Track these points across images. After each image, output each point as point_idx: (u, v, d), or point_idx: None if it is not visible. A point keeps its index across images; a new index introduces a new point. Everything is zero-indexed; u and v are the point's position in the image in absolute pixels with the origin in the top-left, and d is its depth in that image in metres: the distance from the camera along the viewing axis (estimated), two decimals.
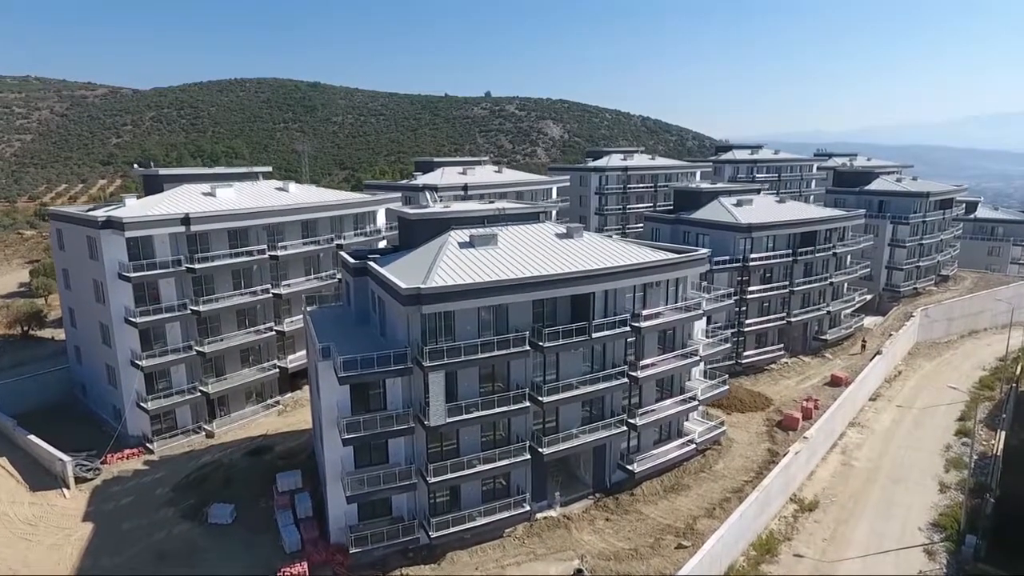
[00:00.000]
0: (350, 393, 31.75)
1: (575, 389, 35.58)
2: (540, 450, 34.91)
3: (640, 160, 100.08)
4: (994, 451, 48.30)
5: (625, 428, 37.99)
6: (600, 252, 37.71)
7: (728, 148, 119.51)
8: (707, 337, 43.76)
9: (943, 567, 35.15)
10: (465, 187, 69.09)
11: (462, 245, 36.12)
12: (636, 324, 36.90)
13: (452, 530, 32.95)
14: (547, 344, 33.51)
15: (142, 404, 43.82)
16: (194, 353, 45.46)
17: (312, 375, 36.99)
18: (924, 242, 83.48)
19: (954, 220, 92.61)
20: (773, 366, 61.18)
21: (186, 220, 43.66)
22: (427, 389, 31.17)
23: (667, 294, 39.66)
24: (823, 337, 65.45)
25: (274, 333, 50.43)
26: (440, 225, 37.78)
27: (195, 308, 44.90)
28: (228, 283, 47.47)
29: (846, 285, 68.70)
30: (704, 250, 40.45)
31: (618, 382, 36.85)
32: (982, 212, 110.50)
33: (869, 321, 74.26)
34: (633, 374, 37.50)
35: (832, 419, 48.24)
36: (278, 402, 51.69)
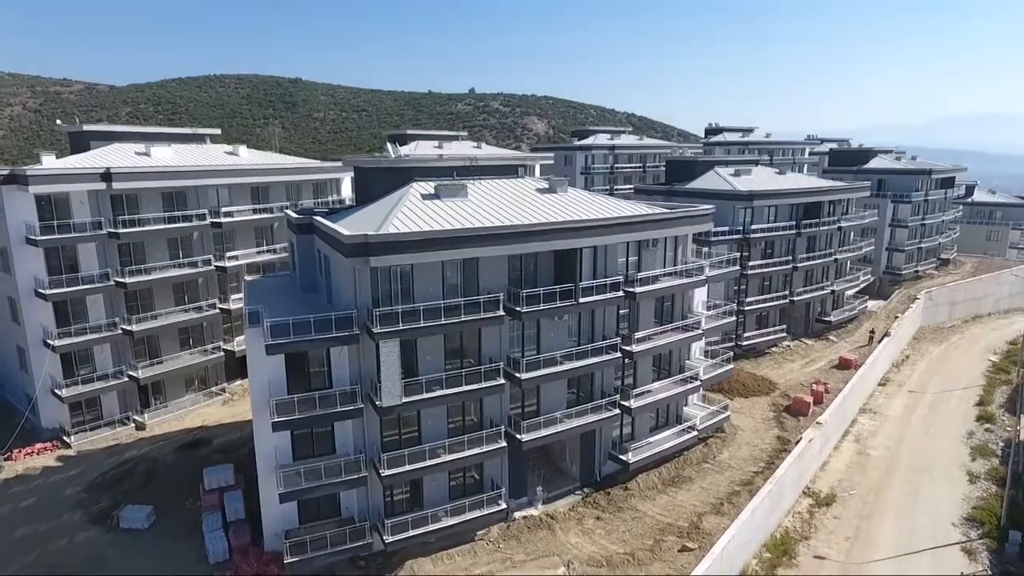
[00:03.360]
0: (286, 367, 26.00)
1: (559, 365, 30.06)
2: (518, 437, 29.37)
3: (628, 140, 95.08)
4: (1019, 437, 44.01)
5: (618, 412, 32.53)
6: (587, 207, 32.26)
7: (719, 131, 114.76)
8: (708, 310, 38.52)
9: (987, 568, 30.23)
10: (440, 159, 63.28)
11: (425, 197, 30.48)
12: (630, 289, 31.50)
13: (412, 533, 27.24)
14: (525, 309, 27.97)
15: (57, 391, 37.64)
16: (120, 332, 39.33)
17: None
18: (926, 222, 79.34)
19: (954, 202, 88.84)
20: (775, 349, 56.29)
21: (107, 176, 37.51)
22: (379, 362, 25.48)
23: (664, 257, 34.34)
24: (826, 319, 60.74)
25: (218, 311, 44.41)
26: (401, 176, 32.07)
27: (121, 280, 38.78)
28: (163, 253, 41.38)
29: (849, 263, 64.31)
30: (707, 205, 35.07)
31: (610, 357, 31.38)
32: (979, 196, 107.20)
33: (872, 304, 70.01)
34: (627, 348, 32.06)
35: (844, 404, 43.45)
36: (224, 390, 45.64)
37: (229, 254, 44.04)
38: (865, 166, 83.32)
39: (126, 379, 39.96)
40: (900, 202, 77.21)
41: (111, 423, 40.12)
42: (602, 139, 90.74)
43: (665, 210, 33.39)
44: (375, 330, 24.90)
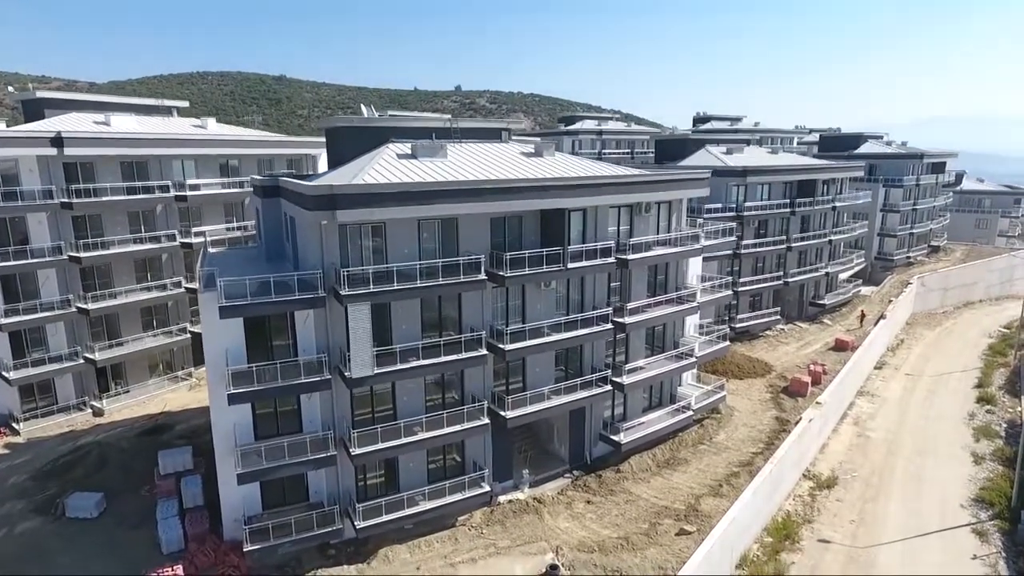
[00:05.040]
0: (245, 336, 23.51)
1: (546, 336, 27.82)
2: (502, 414, 27.09)
3: (615, 125, 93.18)
4: (1022, 418, 42.66)
5: (609, 388, 30.35)
6: (576, 170, 30.07)
7: (707, 119, 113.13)
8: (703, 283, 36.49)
9: (999, 549, 28.46)
10: None
11: (401, 156, 28.12)
12: (622, 256, 29.34)
13: (386, 518, 24.87)
14: (510, 274, 25.71)
15: (5, 374, 34.79)
16: (76, 311, 36.56)
17: None
18: (918, 207, 78.18)
19: (944, 187, 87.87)
20: (769, 332, 54.57)
21: (58, 141, 34.74)
22: (348, 329, 23.11)
23: (658, 226, 32.24)
24: (820, 302, 59.11)
25: (184, 291, 41.70)
26: (376, 136, 29.63)
27: (75, 254, 36.02)
28: (122, 227, 38.60)
29: (842, 246, 62.82)
30: (704, 168, 33.00)
31: (601, 328, 29.18)
32: (968, 184, 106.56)
33: (865, 290, 68.76)
34: (619, 320, 29.91)
35: (843, 385, 41.71)
36: (190, 374, 42.94)
37: (196, 230, 41.29)
38: (856, 151, 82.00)
39: (82, 361, 37.17)
40: (892, 186, 75.98)
41: (66, 409, 37.31)
42: (589, 124, 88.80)
43: (660, 173, 31.30)
44: (343, 292, 22.52)
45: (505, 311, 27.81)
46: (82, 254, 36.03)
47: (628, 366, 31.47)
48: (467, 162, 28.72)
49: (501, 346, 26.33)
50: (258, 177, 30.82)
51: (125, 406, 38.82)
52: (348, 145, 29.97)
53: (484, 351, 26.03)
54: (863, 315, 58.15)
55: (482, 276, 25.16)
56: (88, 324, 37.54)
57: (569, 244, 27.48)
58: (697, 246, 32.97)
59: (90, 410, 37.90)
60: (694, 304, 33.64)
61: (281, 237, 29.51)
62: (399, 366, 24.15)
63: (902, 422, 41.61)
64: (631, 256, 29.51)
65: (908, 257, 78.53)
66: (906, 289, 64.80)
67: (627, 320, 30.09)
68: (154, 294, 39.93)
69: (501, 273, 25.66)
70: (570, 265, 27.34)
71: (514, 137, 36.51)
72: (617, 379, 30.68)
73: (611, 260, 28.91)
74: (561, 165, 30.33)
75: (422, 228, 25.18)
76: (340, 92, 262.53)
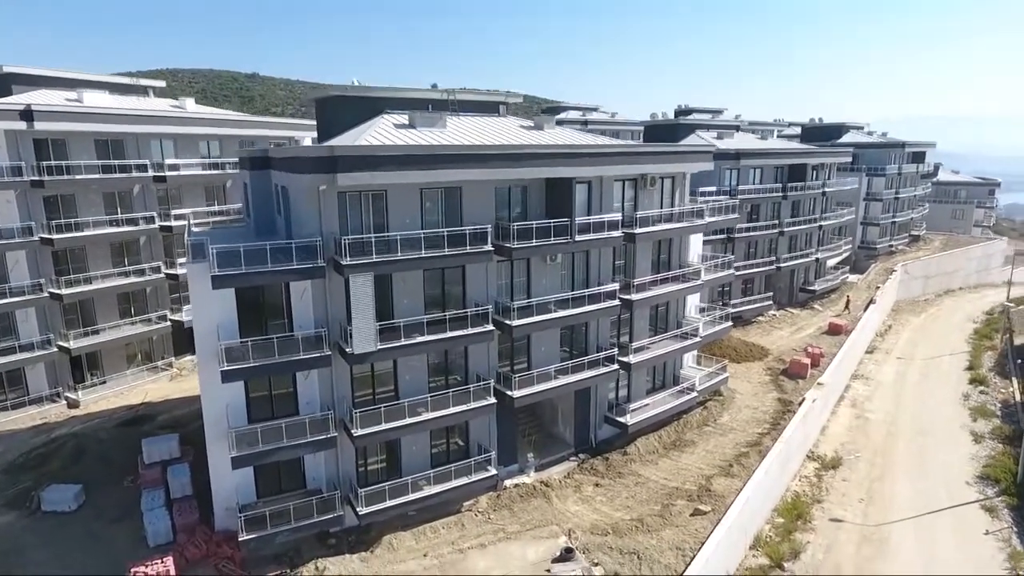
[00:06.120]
0: (238, 310, 21.99)
1: (553, 312, 26.72)
2: (509, 393, 25.92)
3: (601, 115, 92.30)
4: (1014, 398, 42.94)
5: (616, 367, 29.34)
6: (580, 141, 29.02)
7: (689, 112, 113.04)
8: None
9: (1010, 524, 28.15)
10: None
11: (398, 126, 26.75)
12: (629, 230, 28.38)
13: (390, 503, 23.53)
14: (517, 245, 24.56)
15: None
16: (48, 296, 34.48)
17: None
18: (900, 195, 78.87)
19: (923, 177, 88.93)
20: (761, 318, 54.26)
21: (28, 114, 32.65)
22: (349, 301, 21.74)
23: (662, 201, 31.35)
24: (810, 288, 59.07)
25: (164, 277, 39.73)
26: (369, 106, 28.10)
27: (47, 236, 33.95)
28: (97, 208, 36.55)
29: (830, 232, 62.94)
30: (708, 143, 32.19)
31: (608, 304, 28.17)
32: (943, 176, 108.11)
33: (851, 278, 69.15)
34: (626, 296, 28.94)
35: (841, 367, 41.54)
36: (171, 364, 40.95)
37: (176, 212, 39.34)
38: (839, 141, 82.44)
39: (55, 350, 35.09)
40: (874, 175, 76.50)
41: (38, 400, 35.18)
42: (574, 115, 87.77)
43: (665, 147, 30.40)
44: (344, 262, 21.15)
45: (510, 287, 26.65)
46: (55, 236, 33.97)
47: (634, 345, 30.49)
48: (467, 134, 27.47)
49: (508, 322, 25.16)
50: (247, 148, 29.08)
51: (102, 397, 36.78)
52: (340, 116, 28.38)
53: (491, 327, 24.82)
54: (848, 300, 58.33)
55: (488, 247, 23.96)
56: (62, 311, 35.46)
57: (575, 215, 26.40)
58: (701, 222, 32.19)
59: (64, 401, 35.81)
60: (699, 282, 32.84)
61: (271, 212, 27.88)
62: (403, 341, 22.84)
63: (899, 403, 41.48)
64: (638, 230, 28.58)
65: (890, 246, 79.23)
66: (891, 276, 65.33)
67: (634, 297, 29.14)
68: (132, 279, 37.91)
69: (507, 245, 24.50)
70: (577, 238, 26.28)
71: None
72: (624, 358, 29.71)
73: (618, 234, 27.91)
74: (564, 137, 29.27)
75: (425, 198, 23.89)
76: (314, 89, 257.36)
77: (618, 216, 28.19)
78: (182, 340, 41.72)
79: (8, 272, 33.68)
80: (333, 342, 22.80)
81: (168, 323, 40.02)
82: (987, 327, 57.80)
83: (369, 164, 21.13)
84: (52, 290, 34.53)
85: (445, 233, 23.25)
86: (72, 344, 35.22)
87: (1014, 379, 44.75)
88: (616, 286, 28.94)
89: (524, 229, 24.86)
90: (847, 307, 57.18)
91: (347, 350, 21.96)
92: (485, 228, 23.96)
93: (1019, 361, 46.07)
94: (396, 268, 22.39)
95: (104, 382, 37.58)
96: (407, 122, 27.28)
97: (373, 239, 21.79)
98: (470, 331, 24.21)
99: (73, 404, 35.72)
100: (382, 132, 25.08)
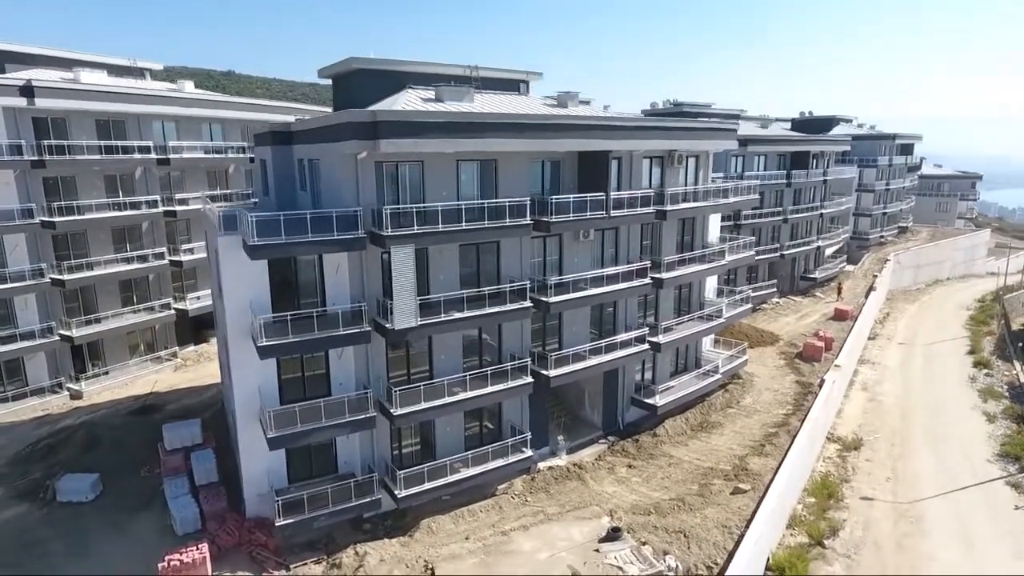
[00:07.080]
0: (269, 280, 21.00)
1: (586, 289, 26.17)
2: (544, 373, 25.32)
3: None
4: (1019, 380, 43.50)
5: (647, 347, 28.90)
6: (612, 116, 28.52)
7: (679, 105, 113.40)
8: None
9: None
10: None
11: (426, 100, 25.94)
12: (660, 207, 27.96)
13: (428, 486, 22.76)
14: (555, 219, 23.96)
15: None
16: (49, 282, 33.00)
17: (214, 274, 25.69)
18: (890, 187, 79.91)
19: (910, 170, 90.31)
20: (766, 305, 54.37)
21: (29, 91, 31.17)
22: (388, 274, 20.93)
23: (687, 180, 31.00)
24: (811, 276, 59.47)
25: (168, 263, 38.35)
26: (393, 81, 27.15)
27: (48, 219, 32.47)
28: (98, 191, 35.10)
29: (828, 221, 63.46)
30: (733, 122, 31.97)
31: (640, 282, 27.71)
32: (927, 169, 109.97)
33: (848, 267, 69.93)
34: (657, 275, 28.51)
35: (852, 350, 41.79)
36: (175, 355, 39.54)
37: (178, 196, 38.00)
38: (830, 133, 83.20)
39: (57, 339, 33.59)
40: (866, 166, 77.34)
41: (39, 391, 33.62)
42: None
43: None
44: (386, 233, 20.33)
45: (543, 264, 26.04)
46: (56, 219, 32.51)
47: (663, 324, 30.09)
48: (494, 109, 26.77)
49: (544, 299, 24.55)
50: (267, 129, 27.95)
51: (106, 388, 35.33)
52: (361, 91, 27.30)
53: (528, 303, 24.17)
54: (840, 288, 58.87)
55: (528, 220, 23.32)
56: (63, 298, 33.99)
57: (610, 189, 25.88)
58: (725, 201, 31.91)
59: (67, 392, 34.30)
60: (723, 262, 32.59)
61: (293, 189, 26.93)
62: (443, 317, 22.08)
63: (908, 386, 41.74)
64: (669, 207, 28.17)
65: (881, 236, 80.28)
66: (886, 265, 66.23)
67: (664, 276, 28.73)
68: (135, 266, 36.48)
69: (546, 219, 23.88)
70: (613, 213, 25.76)
71: None
72: (653, 339, 29.28)
73: (650, 210, 27.47)
74: (592, 113, 28.74)
75: (460, 170, 23.17)
76: (292, 88, 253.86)
77: (650, 192, 27.73)
78: (186, 330, 40.43)
79: (7, 256, 32.11)
80: (370, 318, 21.97)
81: (172, 312, 38.61)
82: (981, 313, 58.63)
83: (413, 130, 20.35)
84: (54, 276, 33.03)
85: (485, 205, 22.53)
86: (75, 332, 33.74)
87: (1016, 362, 45.34)
88: (648, 263, 28.49)
89: (562, 203, 24.26)
90: (839, 295, 57.69)
91: (387, 326, 21.14)
92: (524, 201, 23.29)
93: (1020, 344, 46.70)
94: (437, 240, 21.63)
95: (107, 372, 36.12)
96: (434, 96, 26.47)
97: (414, 209, 21.00)
98: (510, 307, 23.54)
99: (76, 395, 34.23)
100: (412, 104, 24.28)
